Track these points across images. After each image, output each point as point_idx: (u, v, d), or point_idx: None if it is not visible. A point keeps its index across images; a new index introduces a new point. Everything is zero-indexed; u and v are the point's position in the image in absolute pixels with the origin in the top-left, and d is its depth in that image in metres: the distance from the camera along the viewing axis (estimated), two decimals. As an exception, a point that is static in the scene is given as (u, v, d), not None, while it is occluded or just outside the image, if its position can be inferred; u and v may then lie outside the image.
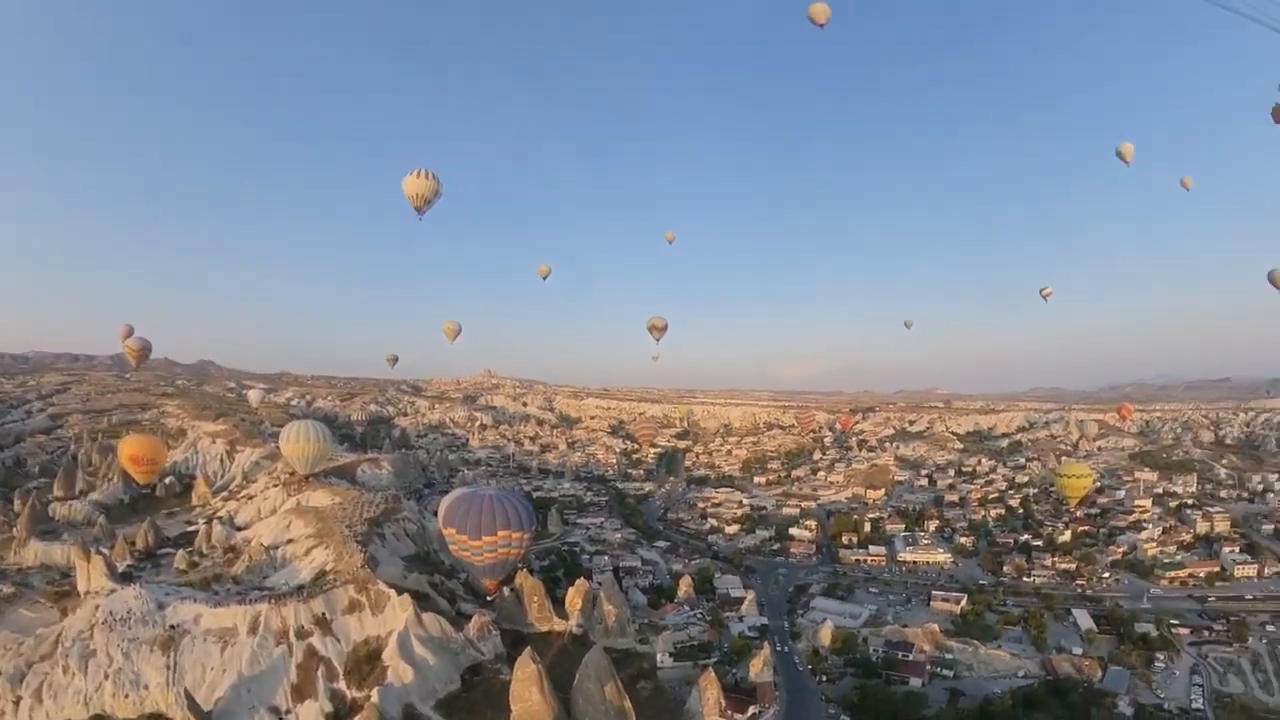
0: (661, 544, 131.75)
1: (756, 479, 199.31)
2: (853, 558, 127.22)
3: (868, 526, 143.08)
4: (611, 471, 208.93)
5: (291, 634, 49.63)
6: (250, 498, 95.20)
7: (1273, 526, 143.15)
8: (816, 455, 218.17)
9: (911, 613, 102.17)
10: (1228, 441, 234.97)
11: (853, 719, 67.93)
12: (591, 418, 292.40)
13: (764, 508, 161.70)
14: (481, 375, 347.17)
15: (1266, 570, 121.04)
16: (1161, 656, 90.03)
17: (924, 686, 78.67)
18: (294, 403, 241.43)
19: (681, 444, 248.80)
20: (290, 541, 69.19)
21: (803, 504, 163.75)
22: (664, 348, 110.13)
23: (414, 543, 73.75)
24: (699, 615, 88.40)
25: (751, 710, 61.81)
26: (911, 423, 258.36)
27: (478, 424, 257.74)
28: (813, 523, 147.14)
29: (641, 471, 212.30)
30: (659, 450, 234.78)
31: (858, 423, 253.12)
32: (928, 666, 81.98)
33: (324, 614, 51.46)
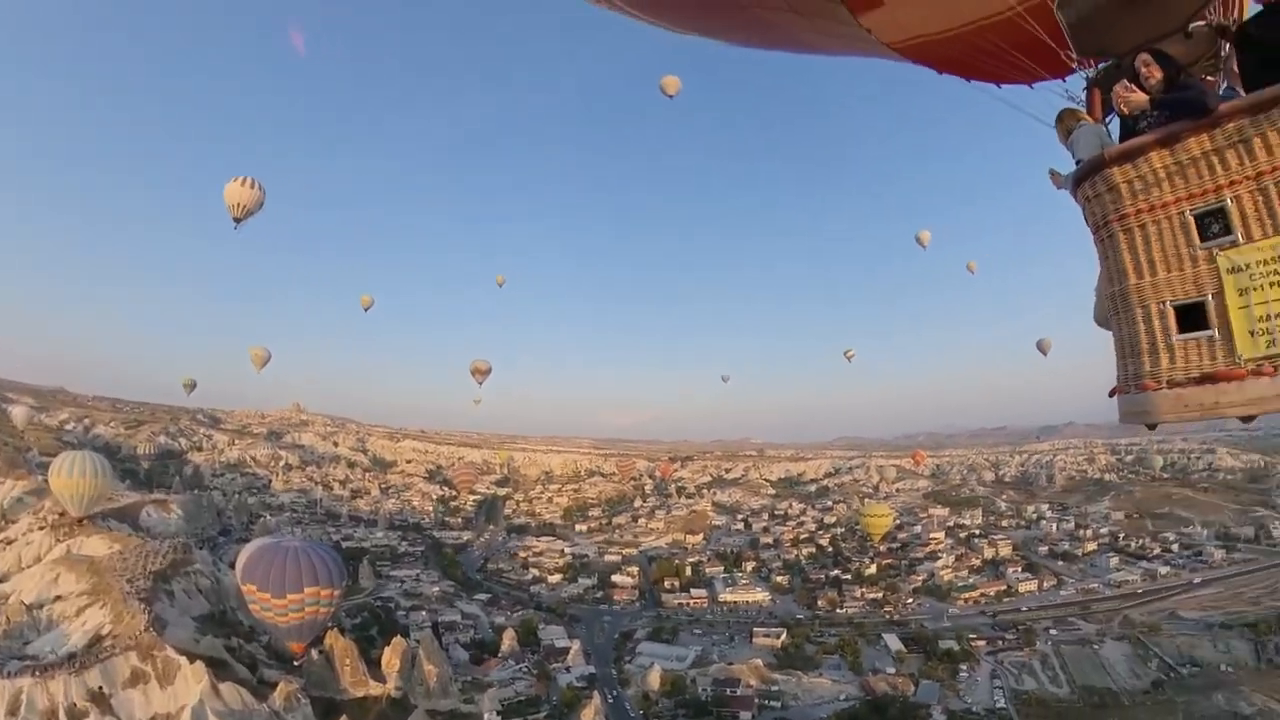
0: (482, 596, 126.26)
1: (578, 526, 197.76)
2: (675, 601, 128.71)
3: (688, 570, 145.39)
4: (428, 519, 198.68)
5: (62, 713, 41.65)
6: (9, 543, 79.89)
7: (1047, 548, 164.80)
8: (637, 502, 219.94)
9: (735, 650, 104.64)
10: (1006, 479, 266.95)
11: None
12: (408, 461, 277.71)
13: (586, 556, 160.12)
14: (289, 409, 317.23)
15: (1044, 584, 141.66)
16: (964, 667, 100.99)
17: (754, 719, 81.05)
18: (69, 427, 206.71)
19: (502, 491, 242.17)
20: (59, 599, 58.61)
21: (624, 551, 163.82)
22: (487, 392, 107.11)
23: (208, 600, 65.20)
24: (525, 669, 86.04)
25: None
26: (728, 470, 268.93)
27: (283, 464, 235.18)
28: (635, 569, 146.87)
29: (460, 519, 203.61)
30: (478, 497, 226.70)
31: (676, 470, 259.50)
32: (755, 700, 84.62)
33: (101, 688, 44.05)
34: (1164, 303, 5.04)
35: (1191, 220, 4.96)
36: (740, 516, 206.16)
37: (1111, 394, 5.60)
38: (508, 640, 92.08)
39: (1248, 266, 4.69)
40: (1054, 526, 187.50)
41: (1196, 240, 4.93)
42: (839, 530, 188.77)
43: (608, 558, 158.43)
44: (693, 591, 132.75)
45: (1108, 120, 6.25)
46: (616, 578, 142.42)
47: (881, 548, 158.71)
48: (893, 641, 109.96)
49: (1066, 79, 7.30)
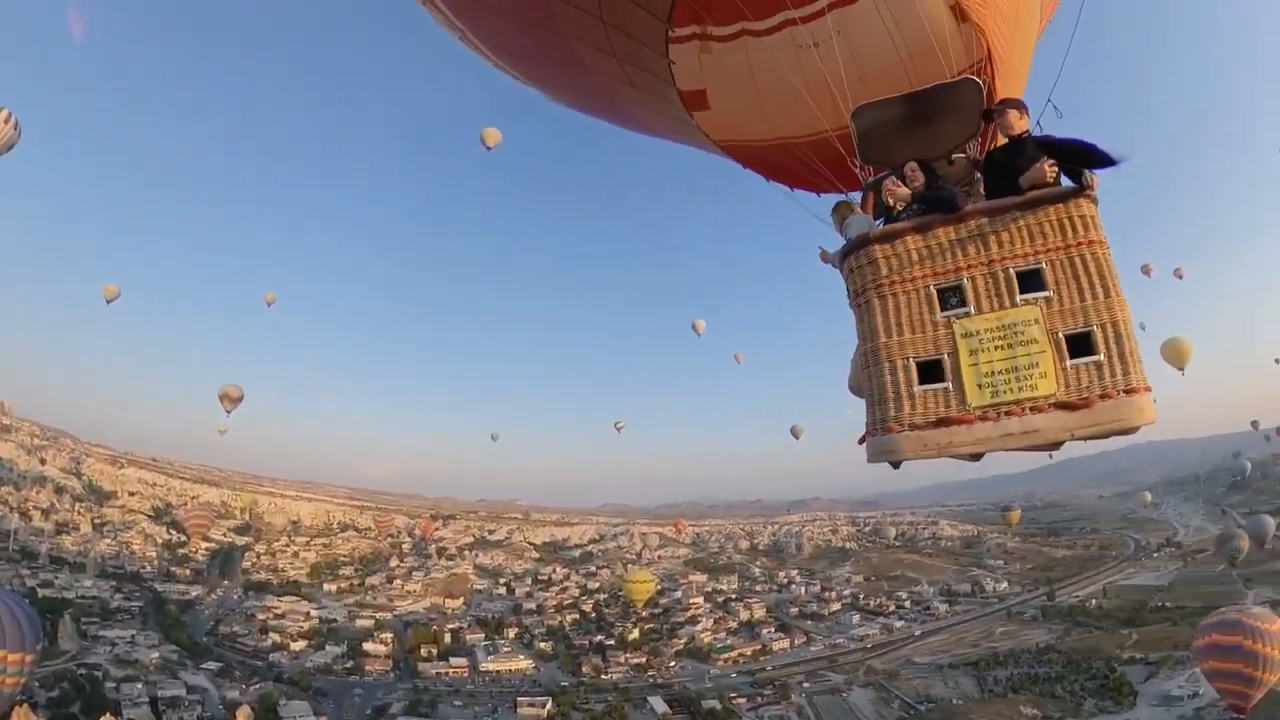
0: (212, 665, 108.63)
1: (327, 586, 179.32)
2: (434, 671, 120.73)
3: (448, 637, 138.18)
4: (150, 568, 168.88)
5: None
6: None
7: (797, 609, 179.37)
8: (394, 562, 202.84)
9: None
10: (760, 548, 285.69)
11: None
12: (131, 494, 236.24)
13: (335, 620, 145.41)
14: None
15: (796, 642, 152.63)
16: None
17: None
18: None
19: (241, 540, 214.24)
20: None
21: (378, 615, 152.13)
22: (235, 421, 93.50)
23: None
24: None
25: None
26: (491, 532, 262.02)
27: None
28: (389, 635, 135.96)
29: (189, 571, 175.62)
30: (213, 545, 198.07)
31: (438, 529, 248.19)
32: None
33: None
34: (908, 358, 6.10)
35: (935, 293, 6.13)
36: (503, 580, 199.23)
37: (860, 440, 6.39)
38: (242, 718, 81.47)
39: (978, 333, 5.93)
40: (803, 589, 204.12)
41: (938, 309, 6.10)
42: (603, 596, 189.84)
43: (359, 622, 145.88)
44: (452, 660, 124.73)
45: (877, 220, 7.33)
46: (369, 645, 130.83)
47: (644, 613, 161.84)
48: (658, 704, 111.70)
49: (849, 193, 8.52)
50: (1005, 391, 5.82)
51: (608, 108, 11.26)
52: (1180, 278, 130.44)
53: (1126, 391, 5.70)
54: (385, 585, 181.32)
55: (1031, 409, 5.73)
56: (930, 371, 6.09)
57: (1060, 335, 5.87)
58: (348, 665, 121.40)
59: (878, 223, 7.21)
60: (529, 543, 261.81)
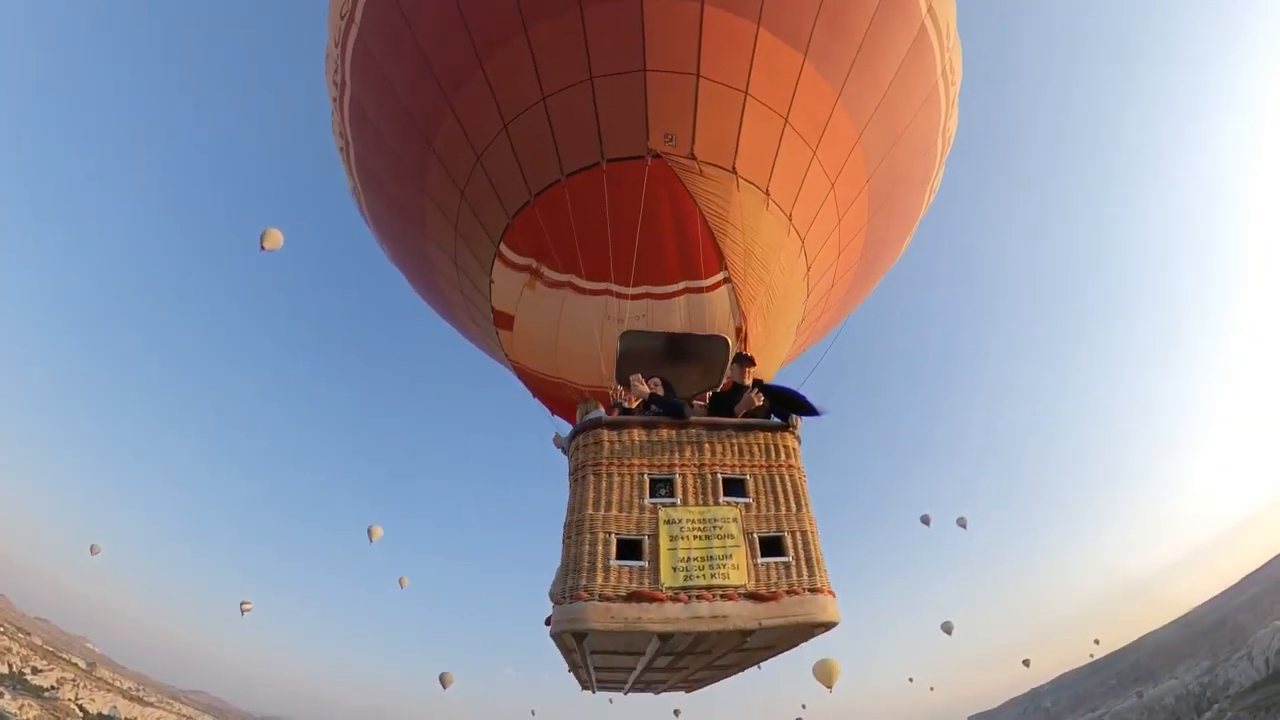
0: None
1: None
2: None
3: None
4: None
5: None
6: None
7: None
8: None
9: None
10: None
11: None
12: None
13: None
14: None
15: None
16: None
17: None
18: None
19: None
20: None
21: None
22: None
23: None
24: None
25: None
26: (37, 670, 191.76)
27: None
28: None
29: None
30: None
31: None
32: None
33: None
34: (610, 533, 6.01)
35: (648, 481, 6.33)
36: None
37: (547, 622, 6.07)
38: None
39: (680, 521, 6.11)
40: None
41: (647, 495, 6.25)
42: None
43: None
44: None
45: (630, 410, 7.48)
46: None
47: None
48: None
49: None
50: (699, 577, 5.87)
51: (443, 304, 11.89)
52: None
53: (811, 590, 5.92)
54: None
55: (722, 596, 5.79)
56: (630, 549, 6.03)
57: (755, 536, 6.13)
58: None
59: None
60: (80, 707, 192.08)
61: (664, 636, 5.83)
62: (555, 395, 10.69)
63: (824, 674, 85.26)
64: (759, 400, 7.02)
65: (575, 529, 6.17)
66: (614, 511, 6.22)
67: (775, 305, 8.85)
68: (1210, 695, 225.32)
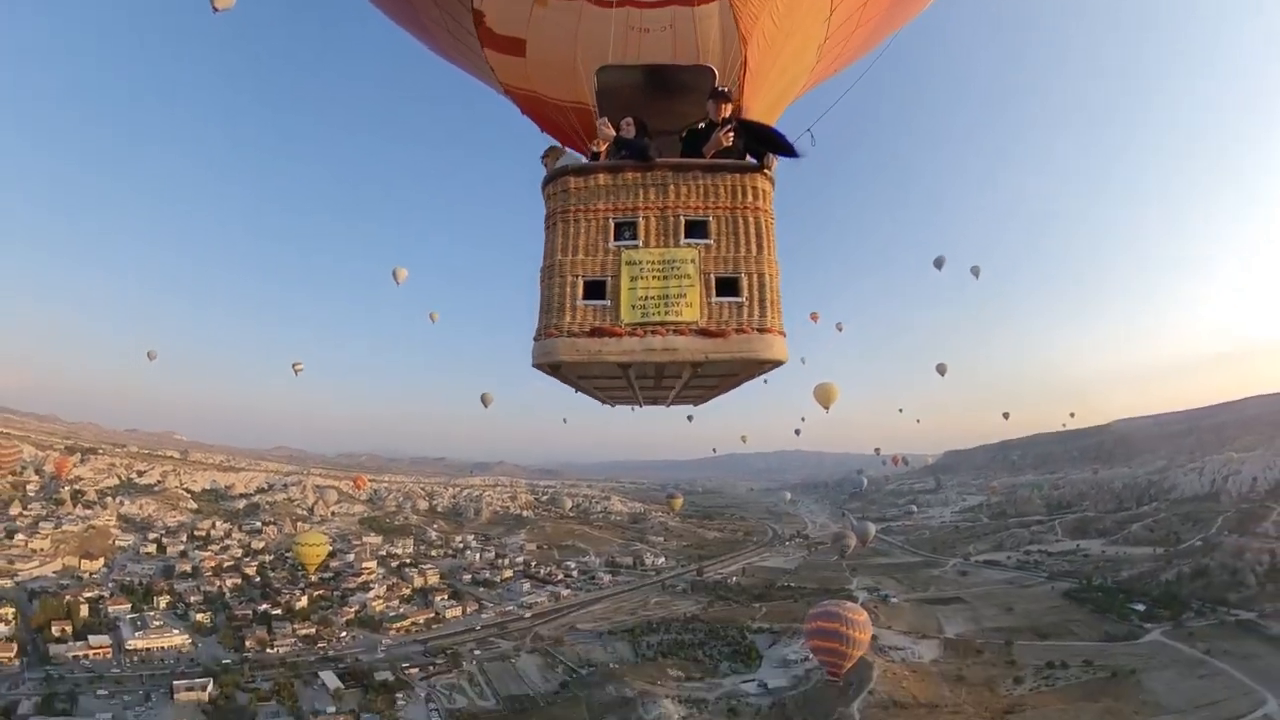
0: None
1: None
2: (70, 654, 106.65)
3: (85, 610, 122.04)
4: None
5: None
6: None
7: (470, 576, 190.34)
8: (15, 509, 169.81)
9: (155, 712, 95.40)
10: (439, 509, 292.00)
11: None
12: None
13: None
14: None
15: (468, 610, 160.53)
16: (401, 695, 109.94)
17: None
18: None
19: None
20: None
21: None
22: None
23: None
24: None
25: None
26: (141, 473, 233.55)
27: None
28: (11, 611, 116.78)
29: None
30: None
31: (75, 467, 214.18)
32: None
33: None
34: (577, 276, 7.05)
35: (612, 225, 7.13)
36: (153, 536, 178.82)
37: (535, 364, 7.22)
38: None
39: (641, 263, 6.97)
40: (477, 556, 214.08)
41: (611, 239, 7.13)
42: (268, 558, 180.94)
43: None
44: (92, 639, 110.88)
45: (603, 154, 8.22)
46: None
47: (314, 578, 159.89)
48: (330, 679, 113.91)
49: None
50: (654, 314, 6.75)
51: (411, 18, 11.08)
52: (840, 330, 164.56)
53: (760, 330, 6.74)
54: (4, 542, 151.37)
55: (674, 331, 6.68)
56: (595, 290, 7.00)
57: (712, 276, 6.87)
58: None
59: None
60: (186, 489, 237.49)
61: (623, 365, 6.91)
62: (551, 118, 10.53)
63: (823, 396, 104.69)
64: (728, 141, 7.44)
65: (547, 273, 7.23)
66: (580, 255, 7.11)
67: (782, 28, 8.16)
68: (1153, 492, 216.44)
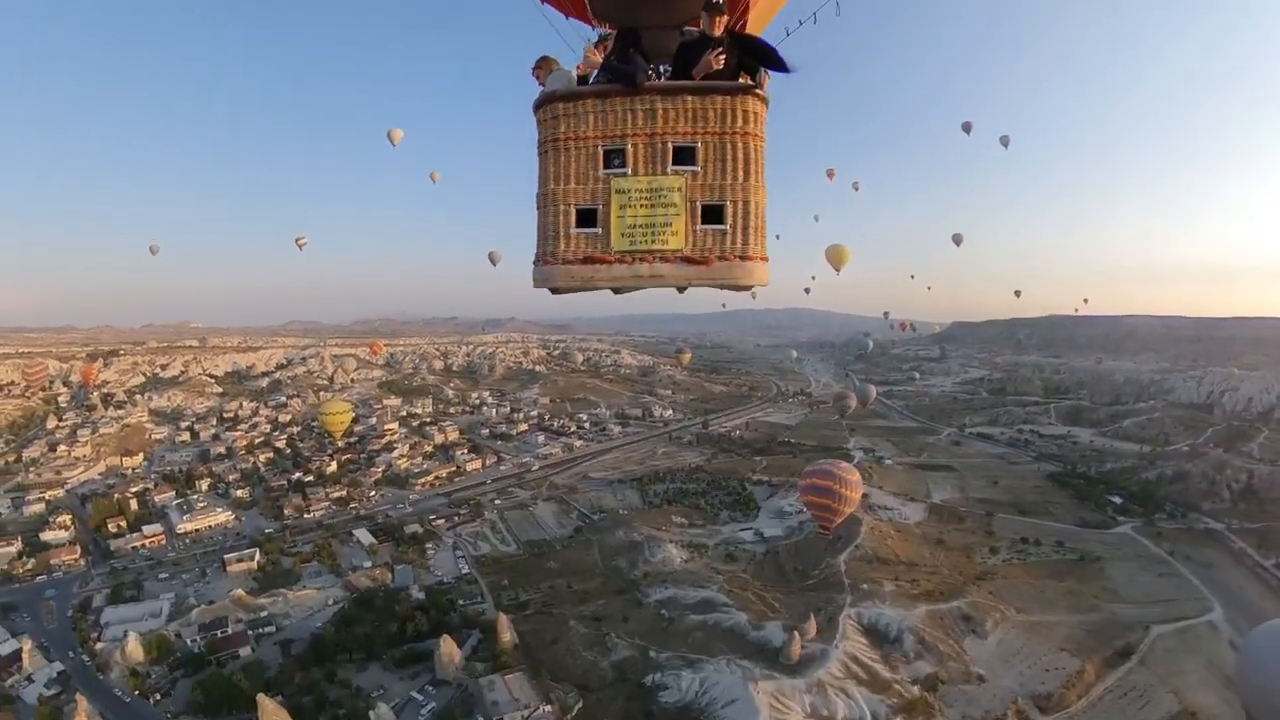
0: None
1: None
2: (128, 545, 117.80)
3: (134, 504, 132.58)
4: None
5: None
6: None
7: (488, 430, 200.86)
8: (52, 423, 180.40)
9: (212, 586, 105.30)
10: (454, 368, 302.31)
11: (206, 717, 73.48)
12: None
13: None
14: None
15: (487, 462, 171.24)
16: (430, 546, 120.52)
17: (254, 653, 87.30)
18: None
19: None
20: None
21: (48, 495, 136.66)
22: None
23: None
24: None
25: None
26: (164, 367, 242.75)
27: None
28: (68, 517, 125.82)
29: None
30: None
31: (100, 372, 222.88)
32: (249, 632, 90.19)
33: None
34: (570, 205, 7.44)
35: (601, 153, 7.38)
36: (184, 424, 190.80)
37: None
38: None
39: (629, 191, 7.30)
40: (493, 411, 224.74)
41: (601, 167, 7.39)
42: (295, 429, 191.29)
43: (29, 510, 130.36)
44: (145, 529, 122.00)
45: (593, 76, 8.12)
46: (47, 535, 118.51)
47: (341, 443, 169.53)
48: (364, 536, 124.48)
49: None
50: (641, 242, 7.20)
51: None
52: (856, 189, 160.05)
53: (742, 257, 7.19)
54: (48, 456, 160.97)
55: (661, 259, 7.18)
56: (587, 217, 7.40)
57: (698, 204, 7.22)
58: (29, 565, 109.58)
59: (592, 78, 8.09)
60: (209, 375, 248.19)
61: (615, 289, 7.29)
62: None
63: (835, 257, 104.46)
64: (718, 64, 7.35)
65: (542, 201, 7.52)
66: (572, 184, 7.36)
67: None
68: (1151, 391, 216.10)
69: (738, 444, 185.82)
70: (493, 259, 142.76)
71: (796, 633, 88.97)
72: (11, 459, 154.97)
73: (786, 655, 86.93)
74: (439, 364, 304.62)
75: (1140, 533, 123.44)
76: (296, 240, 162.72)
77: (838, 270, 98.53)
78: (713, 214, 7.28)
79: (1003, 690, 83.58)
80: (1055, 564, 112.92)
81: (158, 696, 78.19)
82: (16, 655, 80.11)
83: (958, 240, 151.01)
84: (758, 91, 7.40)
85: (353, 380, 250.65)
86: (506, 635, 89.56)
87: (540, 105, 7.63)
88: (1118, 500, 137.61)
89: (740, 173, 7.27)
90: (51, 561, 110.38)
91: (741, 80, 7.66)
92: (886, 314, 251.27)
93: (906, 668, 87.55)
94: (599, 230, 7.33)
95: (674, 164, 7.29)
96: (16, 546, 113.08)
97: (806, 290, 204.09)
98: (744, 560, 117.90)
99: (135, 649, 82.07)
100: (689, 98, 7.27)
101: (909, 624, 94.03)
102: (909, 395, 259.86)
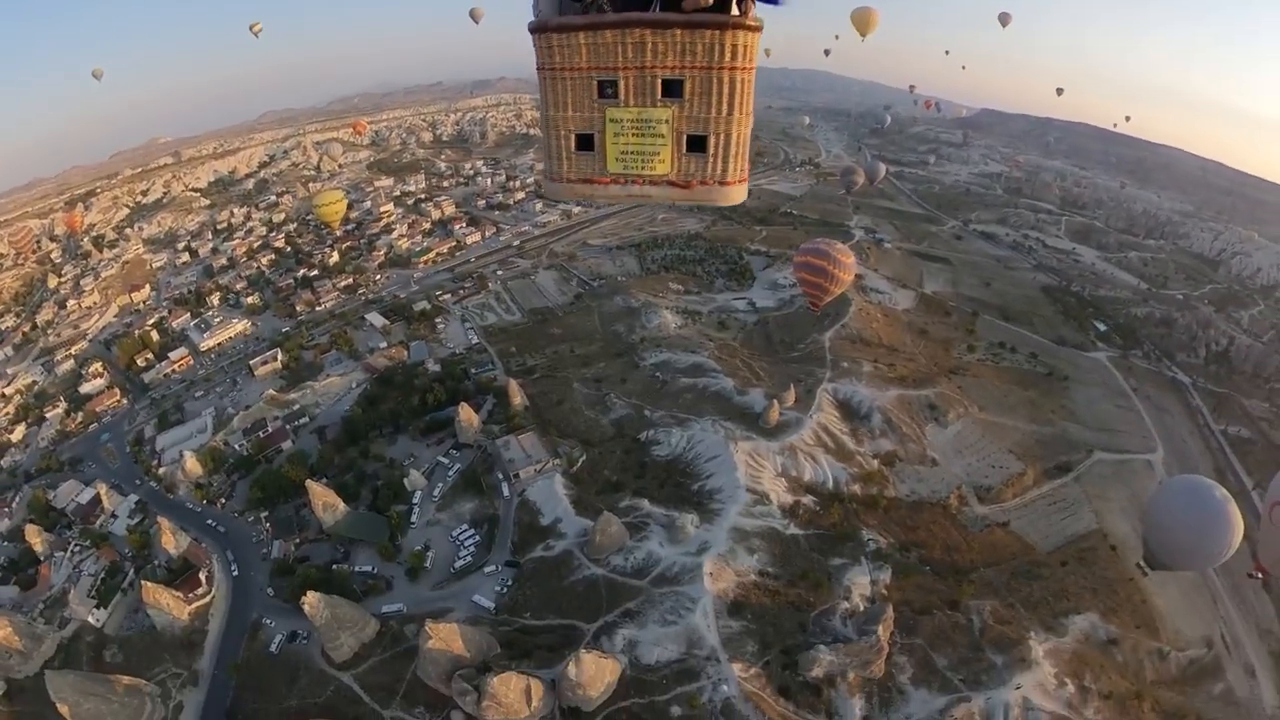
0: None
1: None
2: (160, 375, 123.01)
3: (155, 335, 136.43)
4: None
5: None
6: None
7: (484, 201, 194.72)
8: (53, 282, 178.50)
9: (245, 391, 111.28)
10: (444, 139, 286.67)
11: (266, 509, 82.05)
12: None
13: (34, 381, 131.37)
14: None
15: (486, 234, 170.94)
16: (439, 320, 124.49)
17: (294, 444, 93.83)
18: None
19: None
20: None
21: (73, 350, 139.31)
22: None
23: None
24: (80, 546, 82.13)
25: (202, 574, 70.58)
26: (145, 193, 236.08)
27: None
28: (99, 364, 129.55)
29: None
30: None
31: (83, 216, 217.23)
32: (286, 427, 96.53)
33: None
34: (570, 131, 8.19)
35: (595, 83, 7.85)
36: (181, 246, 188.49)
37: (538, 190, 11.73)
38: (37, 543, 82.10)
39: (621, 120, 7.89)
40: (489, 181, 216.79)
41: (595, 96, 7.91)
42: (291, 226, 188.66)
43: (60, 369, 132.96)
44: (171, 355, 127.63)
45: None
46: (85, 387, 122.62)
47: (339, 232, 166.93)
48: (376, 319, 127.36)
49: None
50: (633, 167, 7.95)
51: None
52: None
53: (721, 183, 7.96)
54: (60, 315, 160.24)
55: (649, 182, 7.95)
56: (584, 142, 8.17)
57: (684, 135, 7.80)
58: (78, 419, 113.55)
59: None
60: (192, 190, 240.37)
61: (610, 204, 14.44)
62: None
63: (862, 22, 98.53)
64: (706, 1, 7.63)
65: (547, 124, 8.42)
66: (570, 111, 8.13)
67: None
68: (1166, 230, 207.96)
69: (738, 211, 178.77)
70: (474, 16, 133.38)
71: (776, 401, 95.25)
72: (28, 328, 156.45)
73: (765, 420, 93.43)
74: (427, 136, 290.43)
75: (1113, 363, 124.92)
76: (251, 27, 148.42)
77: (864, 35, 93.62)
78: (697, 144, 7.79)
79: (951, 476, 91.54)
80: (1025, 373, 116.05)
81: (223, 500, 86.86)
82: (95, 500, 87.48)
83: (1005, 20, 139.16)
84: (748, 22, 7.34)
85: (340, 166, 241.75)
86: (517, 398, 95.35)
87: (535, 32, 7.84)
88: (1101, 327, 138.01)
89: (725, 106, 7.59)
90: (97, 409, 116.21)
91: (731, 12, 7.61)
92: (912, 88, 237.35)
93: (871, 442, 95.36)
94: (595, 154, 8.12)
95: (663, 96, 7.63)
96: (62, 406, 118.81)
97: (826, 52, 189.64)
98: (735, 328, 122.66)
99: (193, 465, 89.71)
100: (677, 31, 7.29)
101: (879, 404, 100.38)
102: (920, 180, 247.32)
